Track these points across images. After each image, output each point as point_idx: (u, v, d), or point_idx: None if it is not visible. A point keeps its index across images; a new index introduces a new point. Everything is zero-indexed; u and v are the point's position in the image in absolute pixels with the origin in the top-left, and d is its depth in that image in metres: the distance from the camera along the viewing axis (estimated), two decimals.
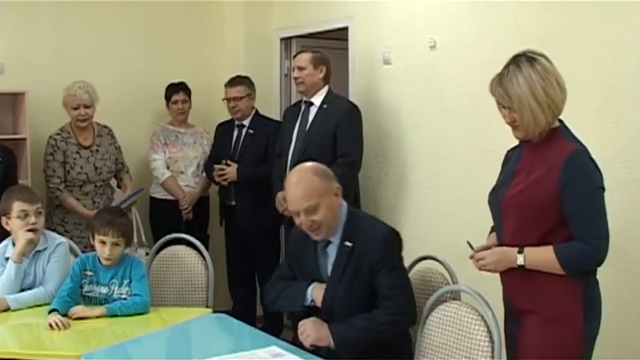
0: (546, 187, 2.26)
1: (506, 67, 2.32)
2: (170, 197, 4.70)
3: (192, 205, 4.68)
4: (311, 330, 2.55)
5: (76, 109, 4.29)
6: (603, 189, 2.29)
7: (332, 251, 2.69)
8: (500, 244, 2.42)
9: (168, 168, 4.70)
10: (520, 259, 2.30)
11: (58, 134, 4.34)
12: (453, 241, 3.81)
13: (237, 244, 4.63)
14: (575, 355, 2.27)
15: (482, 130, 3.68)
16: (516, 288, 2.39)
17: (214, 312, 3.18)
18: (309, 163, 2.73)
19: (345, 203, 2.76)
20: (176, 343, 2.81)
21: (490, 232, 2.58)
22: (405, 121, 4.17)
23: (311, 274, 2.75)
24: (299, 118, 4.16)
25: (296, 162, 3.95)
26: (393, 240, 2.65)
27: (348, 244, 2.64)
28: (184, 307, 3.40)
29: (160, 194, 4.74)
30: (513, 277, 2.38)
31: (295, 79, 4.16)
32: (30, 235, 3.19)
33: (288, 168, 4.04)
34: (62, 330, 2.84)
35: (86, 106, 4.30)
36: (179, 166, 4.71)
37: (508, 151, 2.52)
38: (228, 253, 4.75)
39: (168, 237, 3.65)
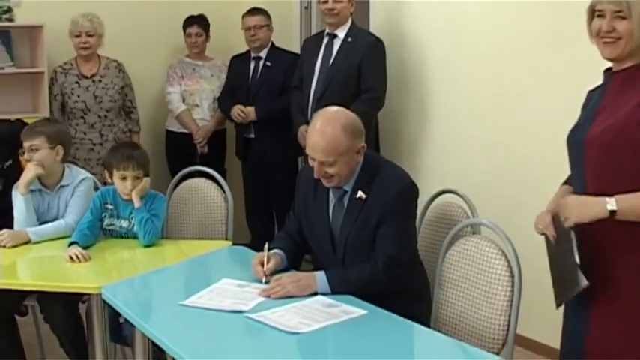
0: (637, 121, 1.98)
1: None
2: (186, 130, 4.64)
3: (206, 138, 4.62)
4: (290, 286, 2.39)
5: (77, 36, 4.23)
6: None
7: (347, 202, 2.58)
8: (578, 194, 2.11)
9: (184, 101, 4.63)
10: (612, 204, 1.96)
11: (60, 66, 4.30)
12: (472, 174, 3.82)
13: (256, 177, 4.58)
14: None
15: (503, 65, 3.63)
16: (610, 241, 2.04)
17: (234, 245, 3.16)
18: (340, 114, 2.53)
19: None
20: (196, 274, 2.79)
21: (563, 184, 2.31)
22: (427, 54, 4.09)
23: (320, 226, 2.63)
24: (321, 51, 4.04)
25: (319, 96, 3.93)
26: (408, 194, 2.53)
27: (361, 195, 2.53)
28: (204, 239, 3.37)
29: (175, 127, 4.68)
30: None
31: (329, 10, 3.98)
32: (39, 170, 3.15)
33: (310, 102, 3.96)
34: (83, 262, 2.82)
35: (88, 34, 4.23)
36: (195, 100, 4.63)
37: (589, 92, 2.25)
38: (246, 187, 4.71)
39: (187, 170, 3.59)
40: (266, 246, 2.57)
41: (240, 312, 2.25)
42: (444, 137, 4.04)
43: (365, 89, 3.89)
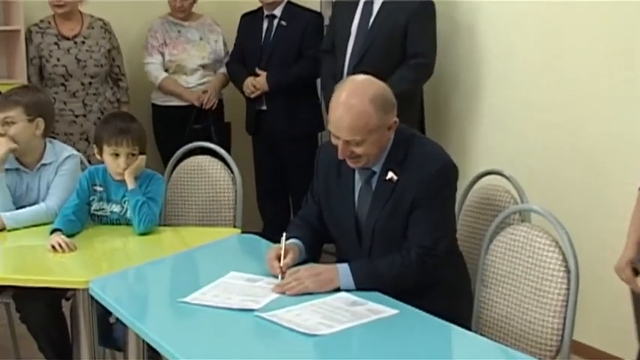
0: None
1: None
2: (173, 103, 4.60)
3: (216, 96, 4.58)
4: (308, 281, 2.40)
5: None
6: None
7: (375, 184, 2.59)
8: None
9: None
10: None
11: (36, 25, 4.31)
12: (523, 155, 3.82)
13: (269, 155, 4.62)
14: None
15: (558, 29, 3.63)
16: None
17: (243, 233, 3.18)
18: (369, 84, 2.52)
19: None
20: (199, 267, 2.83)
21: None
22: (479, 17, 4.06)
23: (344, 212, 2.64)
24: (359, 10, 4.02)
25: (356, 62, 3.90)
26: (446, 174, 2.54)
27: (392, 176, 2.54)
28: (208, 226, 3.40)
29: (161, 100, 4.66)
30: None
31: None
32: (12, 145, 3.13)
33: (345, 69, 3.97)
34: (67, 252, 2.83)
35: None
36: (181, 71, 4.59)
37: None
38: (258, 166, 4.74)
39: (190, 145, 3.62)
40: (283, 237, 2.58)
41: (251, 311, 2.25)
42: (494, 112, 4.04)
43: (412, 54, 3.88)
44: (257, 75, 4.43)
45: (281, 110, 4.44)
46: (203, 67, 4.63)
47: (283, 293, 2.38)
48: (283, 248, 2.55)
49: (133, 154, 3.09)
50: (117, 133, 3.07)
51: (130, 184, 3.09)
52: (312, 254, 2.69)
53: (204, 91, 4.57)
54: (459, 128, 4.22)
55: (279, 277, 2.47)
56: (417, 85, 3.92)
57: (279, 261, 2.52)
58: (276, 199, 4.70)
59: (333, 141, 2.54)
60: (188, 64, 4.61)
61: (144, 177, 3.15)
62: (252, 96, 4.46)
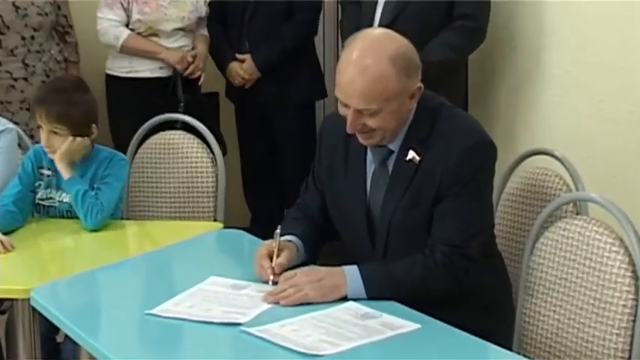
0: None
1: None
2: (138, 74, 4.41)
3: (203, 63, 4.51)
4: (308, 287, 2.39)
5: None
6: None
7: (392, 166, 2.60)
8: None
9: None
10: None
11: None
12: (581, 134, 3.82)
13: (256, 131, 4.64)
14: None
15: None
16: None
17: (226, 228, 3.19)
18: (388, 39, 2.50)
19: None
20: (171, 271, 2.83)
21: None
22: None
23: (353, 202, 2.64)
24: None
25: (388, 21, 3.81)
26: (481, 154, 2.53)
27: (414, 156, 2.53)
28: (182, 220, 3.42)
29: (119, 70, 4.45)
30: None
31: None
32: None
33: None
34: (3, 253, 2.81)
35: None
36: (156, 37, 4.43)
37: None
38: (243, 145, 4.75)
39: (158, 119, 3.63)
40: (278, 232, 2.56)
41: (236, 325, 2.24)
42: (557, 85, 4.01)
43: (459, 15, 3.87)
44: (241, 61, 4.47)
45: (270, 73, 4.46)
46: (182, 29, 4.48)
47: (277, 303, 2.36)
48: (277, 245, 2.53)
49: (56, 133, 3.07)
50: (37, 102, 3.09)
51: (64, 173, 3.09)
52: (312, 254, 2.69)
53: (193, 56, 4.45)
54: (509, 106, 4.22)
55: (270, 281, 2.47)
56: (463, 53, 3.93)
57: (271, 261, 2.51)
58: (266, 186, 4.74)
59: (341, 111, 2.51)
60: (164, 26, 4.42)
61: (101, 159, 3.16)
62: (247, 86, 4.50)
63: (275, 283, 2.46)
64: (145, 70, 4.42)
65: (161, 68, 4.42)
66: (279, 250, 2.54)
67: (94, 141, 3.18)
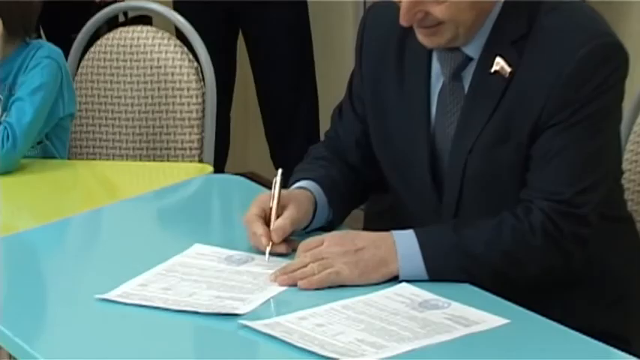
0: None
1: None
2: None
3: None
4: (340, 262, 2.40)
5: None
6: None
7: (470, 81, 2.59)
8: None
9: None
10: None
11: None
12: None
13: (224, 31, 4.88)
14: None
15: None
16: None
17: (217, 173, 3.38)
18: None
19: None
20: (135, 234, 2.83)
21: None
22: None
23: (410, 135, 2.65)
24: None
25: None
26: (605, 66, 2.49)
27: (503, 66, 2.51)
28: (152, 160, 3.59)
29: None
30: None
31: None
32: None
33: None
34: None
35: None
36: None
37: None
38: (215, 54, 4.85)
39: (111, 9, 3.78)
40: (278, 176, 2.55)
41: (232, 317, 2.23)
42: None
43: None
44: None
45: None
46: None
47: (294, 285, 2.35)
48: (275, 197, 2.53)
49: None
50: None
51: None
52: (341, 213, 2.73)
53: None
54: None
55: (267, 252, 2.47)
56: None
57: (268, 221, 2.50)
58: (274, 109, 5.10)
59: None
60: None
61: (13, 57, 3.36)
62: None
63: (283, 254, 2.48)
64: None
65: None
66: (281, 206, 2.52)
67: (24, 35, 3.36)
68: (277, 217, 2.51)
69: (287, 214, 2.52)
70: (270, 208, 2.51)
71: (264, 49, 5.17)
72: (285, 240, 2.49)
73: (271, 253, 2.46)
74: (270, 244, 2.46)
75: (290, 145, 5.07)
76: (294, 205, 2.54)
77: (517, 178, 2.51)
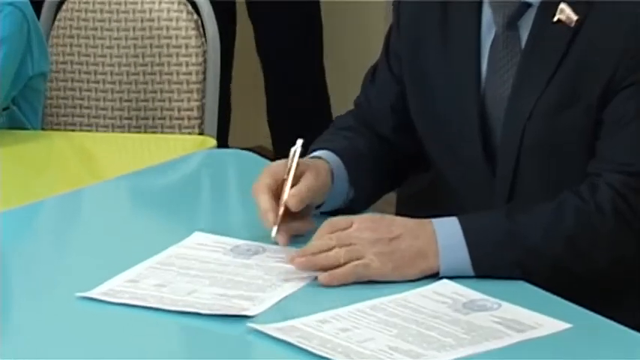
0: None
1: None
2: None
3: None
4: (371, 251, 2.36)
5: None
6: None
7: (527, 30, 2.58)
8: None
9: None
10: None
11: None
12: None
13: None
14: None
15: None
16: None
17: (220, 147, 3.41)
18: None
19: None
20: (124, 220, 2.88)
21: None
22: None
23: (456, 101, 2.66)
24: None
25: None
26: None
27: (569, 15, 2.49)
28: (144, 132, 3.66)
29: None
30: None
31: None
32: None
33: None
34: None
35: None
36: None
37: None
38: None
39: None
40: (297, 146, 2.53)
41: (240, 318, 2.20)
42: None
43: None
44: None
45: None
46: None
47: (314, 279, 2.32)
48: (293, 166, 2.49)
49: None
50: None
51: None
52: (369, 193, 2.73)
53: None
54: None
55: (273, 231, 2.42)
56: None
57: (280, 194, 2.47)
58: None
59: None
60: None
61: None
62: None
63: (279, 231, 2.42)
64: None
65: None
66: (296, 177, 2.49)
67: None
68: (289, 186, 2.48)
69: (304, 181, 2.49)
70: (284, 180, 2.47)
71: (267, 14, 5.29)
72: (301, 217, 2.46)
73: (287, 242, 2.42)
74: (279, 221, 2.41)
75: (291, 122, 5.15)
76: (312, 173, 2.52)
77: (584, 147, 2.50)
